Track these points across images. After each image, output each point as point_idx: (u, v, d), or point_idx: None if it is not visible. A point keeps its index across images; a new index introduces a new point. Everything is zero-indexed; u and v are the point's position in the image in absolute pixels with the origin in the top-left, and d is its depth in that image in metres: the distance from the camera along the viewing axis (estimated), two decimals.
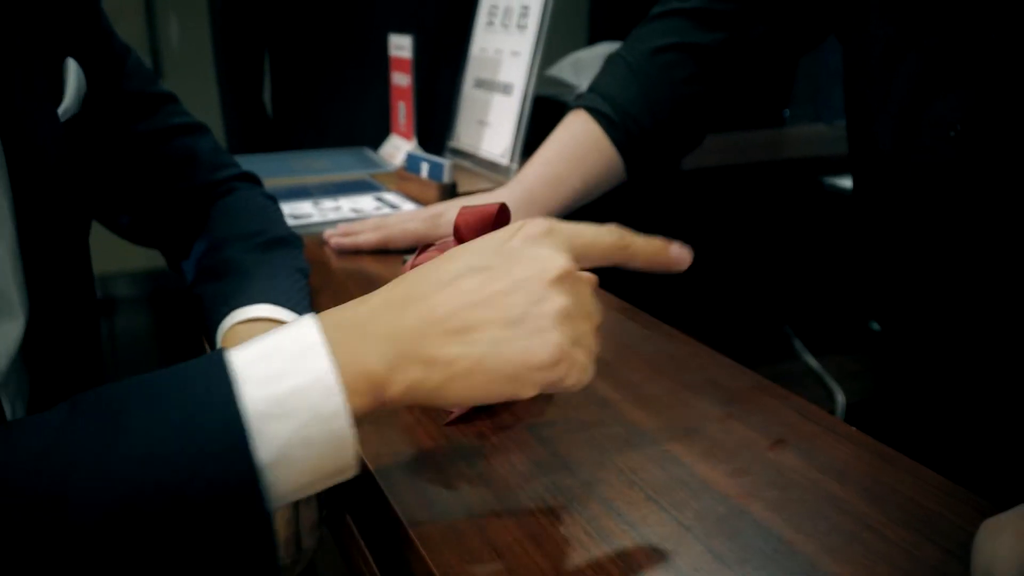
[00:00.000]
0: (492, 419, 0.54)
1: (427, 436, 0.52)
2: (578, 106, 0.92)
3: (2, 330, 0.50)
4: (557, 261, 0.42)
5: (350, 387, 0.38)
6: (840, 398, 1.23)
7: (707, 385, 0.59)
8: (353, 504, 0.53)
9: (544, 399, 0.57)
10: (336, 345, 0.38)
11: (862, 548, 0.42)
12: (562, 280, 0.41)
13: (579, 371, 0.42)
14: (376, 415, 0.40)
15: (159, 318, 2.73)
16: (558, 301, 0.41)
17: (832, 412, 1.23)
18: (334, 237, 0.88)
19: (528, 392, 0.41)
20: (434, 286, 0.41)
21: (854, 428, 0.53)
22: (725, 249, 1.51)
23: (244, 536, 0.36)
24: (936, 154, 0.71)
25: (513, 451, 0.51)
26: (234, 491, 0.36)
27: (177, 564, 0.36)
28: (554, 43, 1.48)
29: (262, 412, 0.36)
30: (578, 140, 0.91)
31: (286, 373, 0.37)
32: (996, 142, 0.66)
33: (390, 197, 1.05)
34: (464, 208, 0.56)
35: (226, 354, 0.38)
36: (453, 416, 0.54)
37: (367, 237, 0.86)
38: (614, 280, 0.60)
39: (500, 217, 0.57)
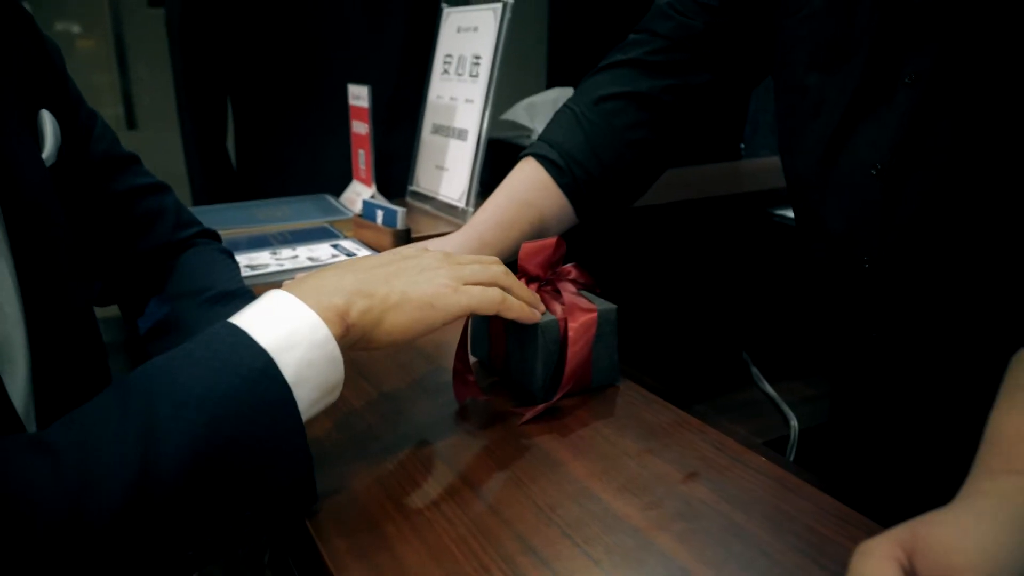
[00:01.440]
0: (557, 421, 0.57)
1: (359, 481, 0.55)
2: (527, 154, 0.96)
3: (10, 378, 0.53)
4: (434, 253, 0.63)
5: (325, 318, 0.51)
6: (794, 423, 1.26)
7: (631, 422, 0.63)
8: (290, 547, 0.56)
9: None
10: (303, 296, 0.52)
11: (756, 573, 0.45)
12: (436, 255, 0.62)
13: (479, 296, 0.59)
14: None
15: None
16: (438, 259, 0.61)
17: (787, 437, 1.26)
18: None
19: (447, 313, 0.57)
20: (359, 261, 0.58)
21: (764, 459, 0.56)
22: (685, 281, 1.55)
23: (290, 448, 0.48)
24: (862, 191, 0.75)
25: (440, 493, 0.54)
26: (278, 408, 0.47)
27: (244, 480, 0.46)
28: (516, 88, 1.53)
29: (276, 347, 0.48)
30: (527, 186, 0.94)
31: (279, 319, 0.50)
32: (917, 176, 0.70)
33: (346, 244, 1.08)
34: (526, 244, 0.70)
35: (228, 321, 0.50)
36: (526, 416, 0.63)
37: None
38: None
39: (558, 248, 0.70)
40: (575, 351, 0.64)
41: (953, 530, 0.39)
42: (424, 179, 1.34)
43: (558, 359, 0.65)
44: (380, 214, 1.07)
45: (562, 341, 0.65)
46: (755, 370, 1.44)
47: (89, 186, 0.73)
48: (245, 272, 0.95)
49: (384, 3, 1.51)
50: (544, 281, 0.70)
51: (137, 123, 2.71)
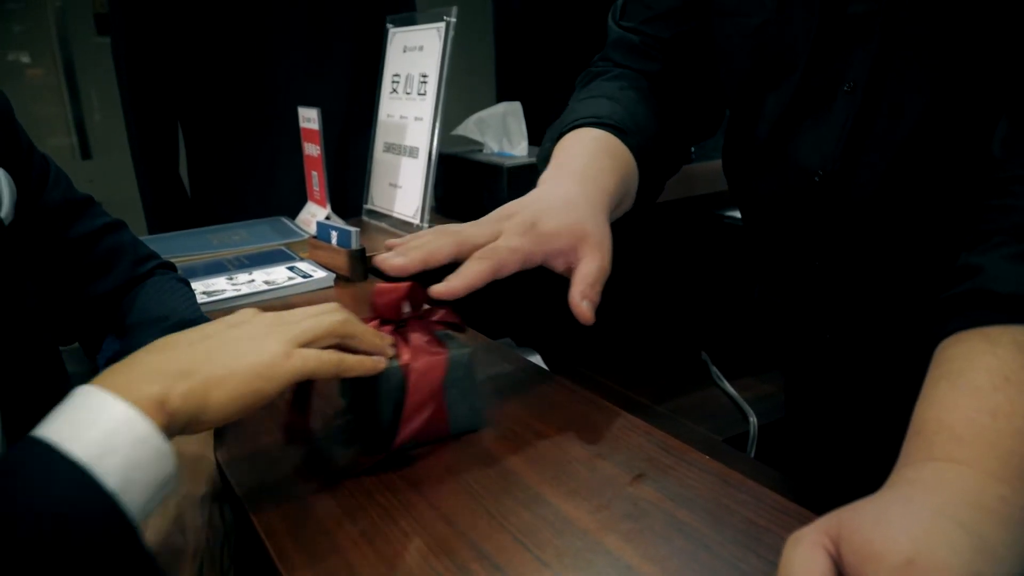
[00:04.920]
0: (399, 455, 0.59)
1: (315, 498, 0.57)
2: (574, 126, 0.84)
3: None
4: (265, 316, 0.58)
5: (143, 411, 0.47)
6: (753, 420, 1.29)
7: (582, 428, 0.65)
8: (250, 566, 0.57)
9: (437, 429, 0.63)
10: (116, 388, 0.47)
11: (697, 566, 0.47)
12: (267, 319, 0.58)
13: (313, 360, 0.55)
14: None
15: None
16: (268, 322, 0.57)
17: (747, 434, 1.29)
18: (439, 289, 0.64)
19: (279, 383, 0.53)
20: (184, 335, 0.55)
21: (706, 456, 0.59)
22: (642, 286, 1.58)
23: (124, 556, 0.44)
24: (806, 198, 0.77)
25: (396, 506, 0.55)
26: (106, 521, 0.43)
27: None
28: (465, 103, 1.55)
29: (93, 454, 0.44)
30: (599, 144, 0.82)
31: (92, 422, 0.45)
32: (859, 182, 0.73)
33: (302, 266, 1.10)
34: (377, 285, 0.64)
35: (35, 435, 0.45)
36: (365, 464, 0.60)
37: (476, 270, 0.64)
38: (527, 324, 0.65)
39: (412, 292, 0.64)
40: (414, 398, 0.60)
41: (875, 516, 0.41)
42: (378, 197, 1.36)
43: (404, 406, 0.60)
44: (335, 235, 1.09)
45: (406, 387, 0.60)
46: (714, 369, 1.47)
47: (47, 234, 0.74)
48: (201, 299, 0.96)
49: (330, 24, 1.52)
50: (398, 323, 0.65)
51: (91, 152, 2.69)
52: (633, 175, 0.82)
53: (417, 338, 0.63)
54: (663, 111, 0.89)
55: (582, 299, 0.67)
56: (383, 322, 0.64)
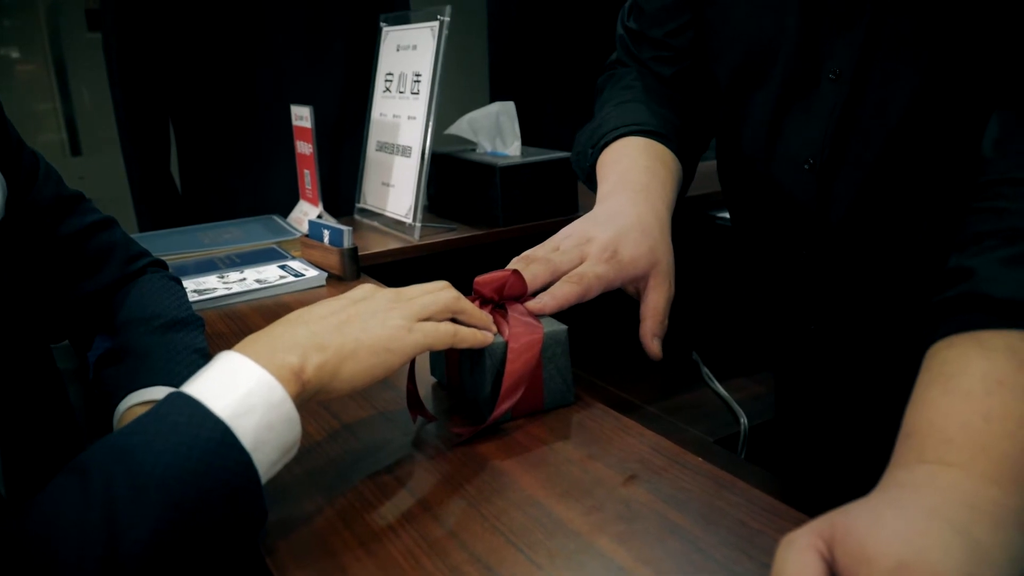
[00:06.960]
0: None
1: (317, 511, 0.56)
2: (617, 137, 0.87)
3: None
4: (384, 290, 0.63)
5: (280, 378, 0.51)
6: (744, 421, 1.29)
7: (574, 429, 0.65)
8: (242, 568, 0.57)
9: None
10: (256, 356, 0.51)
11: (690, 568, 0.47)
12: (386, 295, 0.62)
13: (432, 333, 0.60)
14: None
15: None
16: (388, 298, 0.61)
17: (738, 435, 1.30)
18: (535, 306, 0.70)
19: (403, 355, 0.58)
20: (310, 311, 0.58)
21: (699, 458, 0.59)
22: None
23: (248, 507, 0.49)
24: (796, 186, 0.77)
25: (392, 513, 0.55)
26: (238, 475, 0.47)
27: (204, 545, 0.47)
28: (459, 102, 1.55)
29: (232, 413, 0.48)
30: (650, 153, 0.85)
31: (234, 384, 0.50)
32: (848, 170, 0.73)
33: (294, 265, 1.09)
34: (479, 278, 0.69)
35: (180, 391, 0.49)
36: (464, 435, 0.63)
37: (566, 292, 0.70)
38: None
39: (514, 280, 0.69)
40: (512, 370, 0.64)
41: (868, 519, 0.41)
42: (371, 196, 1.35)
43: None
44: (327, 234, 1.08)
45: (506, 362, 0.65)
46: (705, 370, 1.47)
47: (37, 231, 0.73)
48: (192, 297, 0.95)
49: (325, 23, 1.52)
50: (497, 303, 0.69)
51: (81, 149, 2.68)
52: (681, 179, 0.87)
53: (515, 317, 0.67)
54: (683, 109, 0.92)
55: (653, 337, 0.75)
56: (482, 303, 0.69)
